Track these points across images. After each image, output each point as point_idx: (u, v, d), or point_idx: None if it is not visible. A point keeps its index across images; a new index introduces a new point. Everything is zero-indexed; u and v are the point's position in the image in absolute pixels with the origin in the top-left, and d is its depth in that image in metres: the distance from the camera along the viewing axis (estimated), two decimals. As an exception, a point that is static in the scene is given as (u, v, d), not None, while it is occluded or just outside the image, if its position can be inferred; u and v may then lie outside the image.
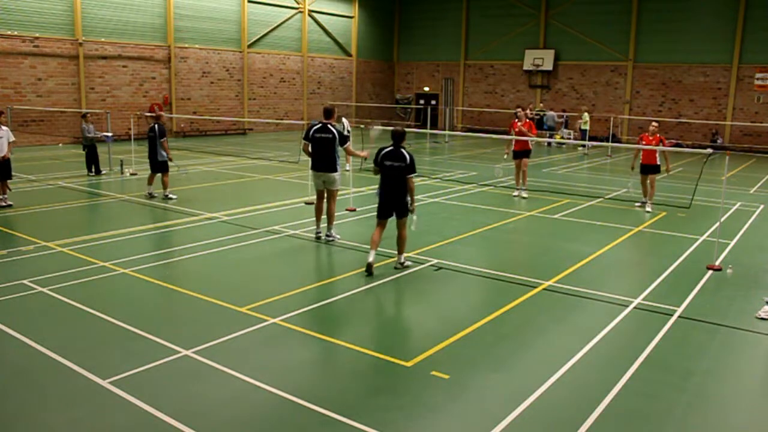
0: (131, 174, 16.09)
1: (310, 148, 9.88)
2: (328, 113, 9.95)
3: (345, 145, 10.06)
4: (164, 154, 13.08)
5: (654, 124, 13.40)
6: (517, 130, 14.82)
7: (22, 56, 22.35)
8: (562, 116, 30.26)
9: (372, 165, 8.80)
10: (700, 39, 29.22)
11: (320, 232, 10.18)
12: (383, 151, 8.55)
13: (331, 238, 10.04)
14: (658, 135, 13.21)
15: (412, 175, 8.46)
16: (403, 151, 8.46)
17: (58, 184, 14.97)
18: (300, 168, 17.30)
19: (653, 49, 30.42)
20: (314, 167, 9.93)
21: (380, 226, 8.66)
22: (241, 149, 23.55)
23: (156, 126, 13.19)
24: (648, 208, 13.23)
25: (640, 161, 13.44)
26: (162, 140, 13.04)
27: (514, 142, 14.67)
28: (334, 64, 34.88)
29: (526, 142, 14.67)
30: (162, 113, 14.01)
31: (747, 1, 27.94)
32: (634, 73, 31.19)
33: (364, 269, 8.44)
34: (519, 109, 15.68)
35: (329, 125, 9.81)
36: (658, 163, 13.27)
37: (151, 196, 13.27)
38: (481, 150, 25.93)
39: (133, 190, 14.37)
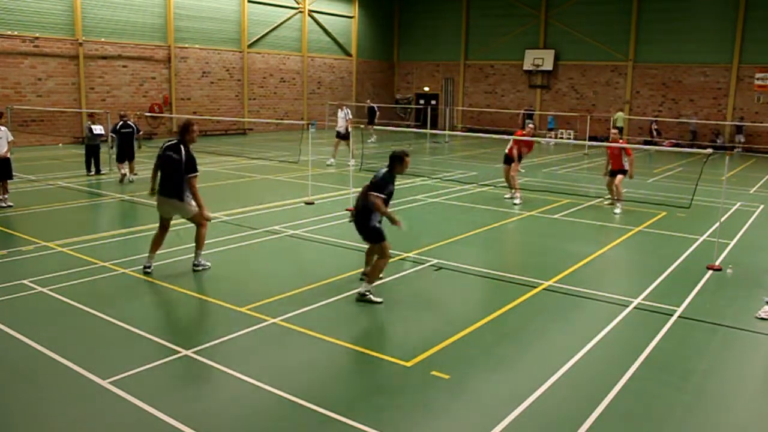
0: (133, 175, 15.87)
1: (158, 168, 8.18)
2: (183, 130, 8.01)
3: (188, 176, 7.89)
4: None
5: (613, 131, 14.13)
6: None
7: (22, 56, 22.35)
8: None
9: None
10: (700, 39, 29.21)
11: (150, 267, 8.23)
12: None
13: (199, 267, 8.37)
14: (620, 140, 14.07)
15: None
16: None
17: (58, 184, 14.97)
18: (300, 168, 17.29)
19: (653, 49, 30.42)
20: (161, 191, 8.13)
21: None
22: (241, 149, 23.54)
23: (130, 122, 15.83)
24: (617, 210, 13.17)
25: (611, 167, 13.42)
26: (139, 134, 16.15)
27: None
28: (334, 64, 34.87)
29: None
30: (128, 113, 16.63)
31: (747, 1, 27.94)
32: (634, 73, 31.18)
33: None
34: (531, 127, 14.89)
35: (182, 145, 7.96)
36: (625, 167, 13.37)
37: (125, 180, 15.25)
38: (481, 150, 25.94)
39: (133, 190, 14.36)
